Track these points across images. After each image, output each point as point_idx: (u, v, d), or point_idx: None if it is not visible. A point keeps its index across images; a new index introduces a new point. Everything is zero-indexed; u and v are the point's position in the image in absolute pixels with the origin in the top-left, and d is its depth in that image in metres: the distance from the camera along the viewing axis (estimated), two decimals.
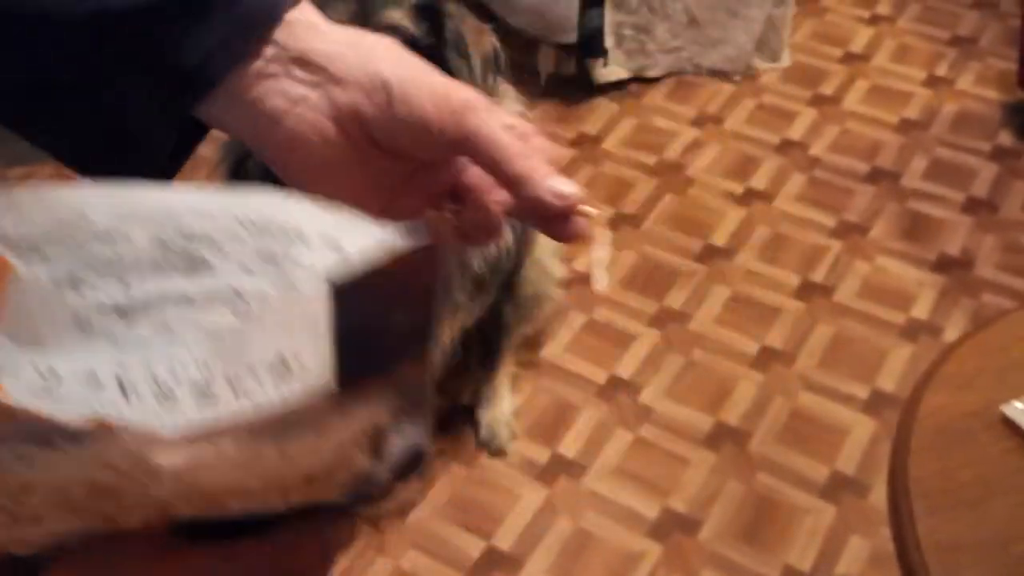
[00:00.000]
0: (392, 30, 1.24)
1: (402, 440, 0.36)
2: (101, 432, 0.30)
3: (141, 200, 0.37)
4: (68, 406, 0.31)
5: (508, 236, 1.43)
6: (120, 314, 0.34)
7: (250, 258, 0.35)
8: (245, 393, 0.31)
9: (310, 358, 0.32)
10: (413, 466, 0.37)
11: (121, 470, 0.31)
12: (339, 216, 0.37)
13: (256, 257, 0.35)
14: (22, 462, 0.30)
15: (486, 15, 2.41)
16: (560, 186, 0.44)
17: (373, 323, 0.33)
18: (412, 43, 1.24)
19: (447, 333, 1.52)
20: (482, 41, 1.30)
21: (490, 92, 1.32)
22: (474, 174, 0.48)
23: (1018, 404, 1.04)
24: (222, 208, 0.37)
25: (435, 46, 1.26)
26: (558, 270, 1.82)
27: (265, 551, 0.35)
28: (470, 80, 1.27)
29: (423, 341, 0.35)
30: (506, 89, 1.41)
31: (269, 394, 0.31)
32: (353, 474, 0.35)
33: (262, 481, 0.33)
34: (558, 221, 0.45)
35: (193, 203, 0.37)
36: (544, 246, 1.74)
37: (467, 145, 0.45)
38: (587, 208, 0.45)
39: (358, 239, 0.35)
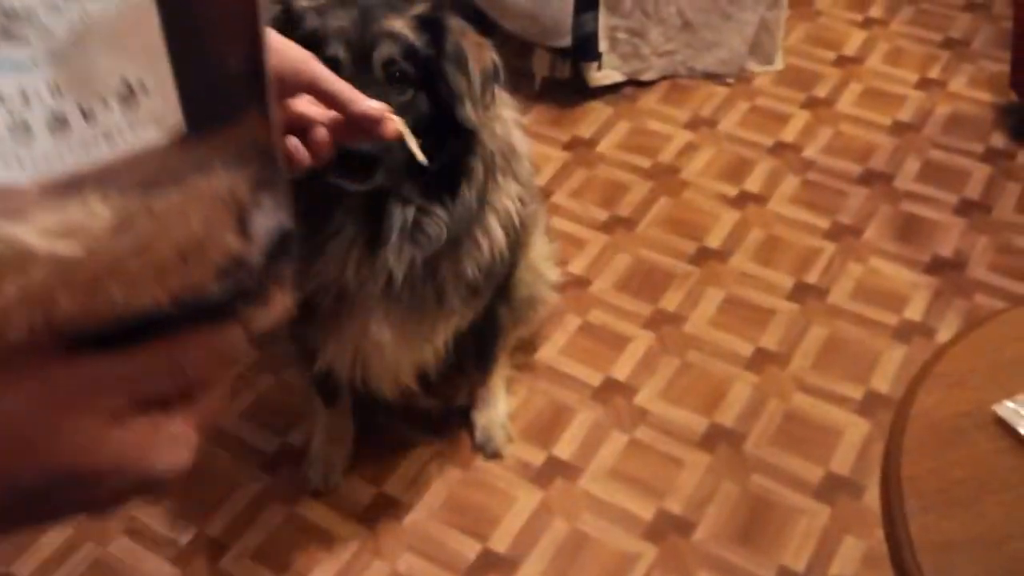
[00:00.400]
0: (392, 38, 1.24)
1: (265, 218, 0.35)
2: None
3: None
4: None
5: (502, 241, 1.44)
6: (5, 35, 0.31)
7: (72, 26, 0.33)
8: (95, 119, 0.30)
9: (153, 84, 0.31)
10: (282, 249, 0.37)
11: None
12: None
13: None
14: None
15: (481, 20, 2.42)
16: (374, 103, 0.75)
17: (205, 52, 0.32)
18: (412, 53, 1.25)
19: (442, 335, 1.52)
20: (482, 56, 1.31)
21: (488, 105, 1.33)
22: (301, 107, 0.71)
23: (1010, 403, 1.04)
24: None
25: (434, 57, 1.27)
26: (552, 273, 1.82)
27: (159, 353, 0.36)
28: (469, 93, 1.28)
29: (260, 88, 0.34)
30: (502, 96, 1.41)
31: (118, 121, 0.30)
32: (225, 254, 0.35)
33: (138, 255, 0.32)
34: (376, 125, 0.75)
35: None
36: (539, 250, 1.74)
37: (313, 85, 0.70)
38: (392, 116, 0.77)
39: None
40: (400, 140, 0.86)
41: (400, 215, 1.32)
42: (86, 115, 0.30)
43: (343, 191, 1.27)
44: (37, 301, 0.31)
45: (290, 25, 1.26)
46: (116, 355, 0.35)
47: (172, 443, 0.37)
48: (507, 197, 1.42)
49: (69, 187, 0.30)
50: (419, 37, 1.26)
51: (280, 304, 0.38)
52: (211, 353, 0.38)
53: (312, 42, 1.23)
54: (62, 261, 0.31)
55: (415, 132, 1.27)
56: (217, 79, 0.33)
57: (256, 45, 0.34)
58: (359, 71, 1.23)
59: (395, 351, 1.49)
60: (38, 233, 0.30)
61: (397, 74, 1.25)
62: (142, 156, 0.31)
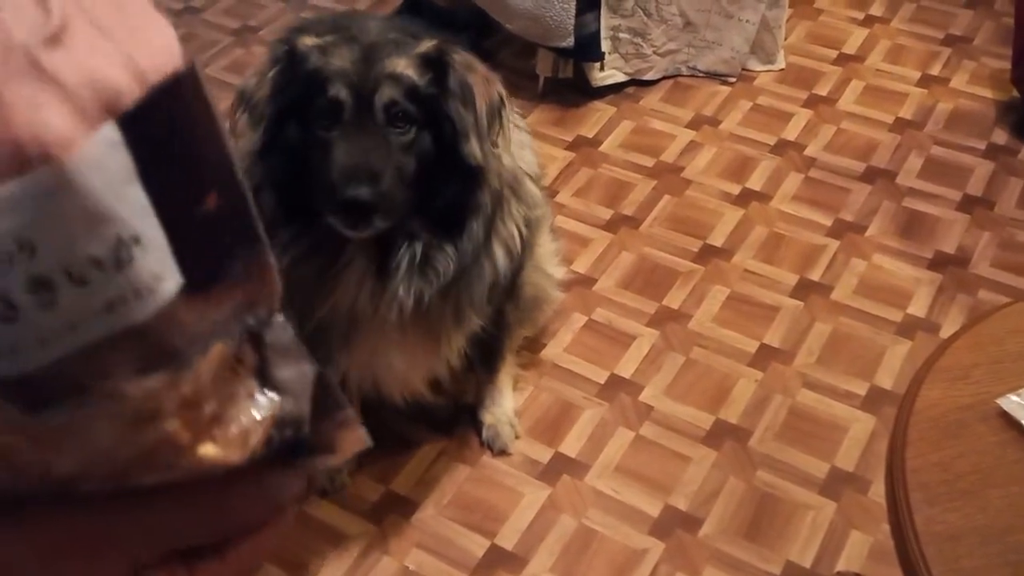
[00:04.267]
0: (395, 80, 1.24)
1: (286, 368, 0.32)
2: None
3: None
4: None
5: (507, 265, 1.45)
6: None
7: None
8: (84, 282, 0.26)
9: (147, 238, 0.27)
10: (328, 398, 0.33)
11: (12, 437, 0.27)
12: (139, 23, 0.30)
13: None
14: None
15: (484, 21, 2.43)
16: None
17: (182, 188, 0.28)
18: (414, 93, 1.25)
19: (455, 348, 1.53)
20: (489, 91, 1.31)
21: (495, 141, 1.33)
22: None
23: (1014, 397, 1.05)
24: None
25: (437, 96, 1.27)
26: (558, 272, 1.84)
27: (196, 501, 0.32)
28: (475, 129, 1.27)
29: (248, 232, 0.30)
30: (512, 117, 1.42)
31: (114, 284, 0.26)
32: (264, 422, 0.31)
33: (170, 439, 0.29)
34: None
35: None
36: (545, 250, 1.76)
37: None
38: None
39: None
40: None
41: (408, 250, 1.32)
42: (75, 280, 0.26)
43: None
44: (63, 480, 0.29)
45: (294, 65, 1.26)
46: (144, 498, 0.31)
47: None
48: (512, 220, 1.43)
49: (81, 369, 0.27)
50: (423, 76, 1.26)
51: (350, 444, 0.35)
52: (258, 505, 0.33)
53: (314, 82, 1.24)
54: (86, 453, 0.28)
55: (419, 170, 1.28)
56: (201, 226, 0.29)
57: (233, 186, 0.29)
58: (360, 112, 1.24)
59: (408, 369, 1.51)
60: (58, 423, 0.27)
61: (399, 115, 1.25)
62: (154, 322, 0.28)
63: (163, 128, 0.27)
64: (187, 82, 0.27)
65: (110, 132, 0.26)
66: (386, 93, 1.24)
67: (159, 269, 0.27)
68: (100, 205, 0.26)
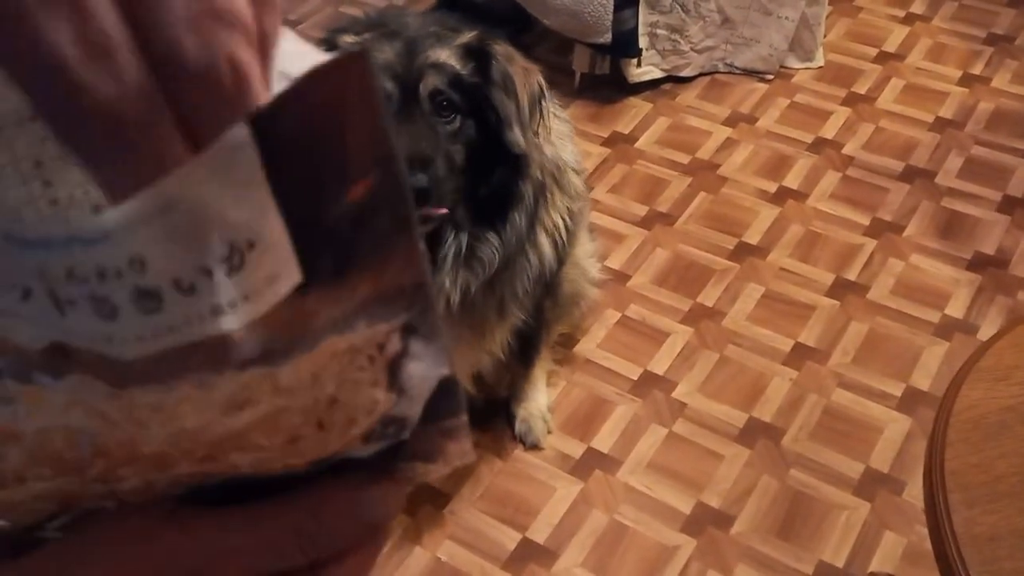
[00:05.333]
0: (438, 68, 1.26)
1: (419, 366, 0.30)
2: (66, 361, 0.26)
3: None
4: (27, 325, 0.26)
5: (551, 255, 1.45)
6: (95, 211, 0.27)
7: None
8: (196, 294, 0.25)
9: (266, 242, 0.26)
10: (446, 403, 0.31)
11: (99, 412, 0.27)
12: (288, 42, 0.29)
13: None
14: (3, 404, 0.27)
15: (523, 17, 2.44)
16: None
17: (313, 183, 0.27)
18: (458, 82, 1.27)
19: (499, 341, 1.54)
20: (529, 81, 1.33)
21: (536, 130, 1.34)
22: None
23: None
24: None
25: (480, 85, 1.28)
26: (594, 270, 1.84)
27: (287, 518, 0.30)
28: (517, 118, 1.29)
29: (401, 218, 0.28)
30: (553, 109, 1.43)
31: (226, 294, 0.26)
32: (372, 414, 0.30)
33: (263, 424, 0.28)
34: None
35: None
36: (582, 247, 1.76)
37: None
38: None
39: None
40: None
41: (454, 242, 1.34)
42: (183, 288, 0.25)
43: None
44: (151, 463, 0.28)
45: None
46: (235, 519, 0.30)
47: None
48: (556, 211, 1.45)
49: (176, 363, 0.26)
50: (465, 66, 1.28)
51: (454, 455, 0.33)
52: (354, 520, 0.31)
53: None
54: (173, 431, 0.27)
55: (465, 159, 1.29)
56: (340, 220, 0.27)
57: (390, 172, 0.28)
58: (407, 103, 1.26)
59: (456, 363, 1.51)
60: (146, 404, 0.27)
61: (444, 103, 1.27)
62: (261, 323, 0.27)
63: (301, 126, 0.26)
64: (335, 76, 0.26)
65: (239, 133, 0.24)
66: (430, 82, 1.26)
67: (274, 271, 0.26)
68: (217, 214, 0.25)
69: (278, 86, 0.27)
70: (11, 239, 0.25)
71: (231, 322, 0.26)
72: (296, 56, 0.29)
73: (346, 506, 0.31)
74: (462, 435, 0.33)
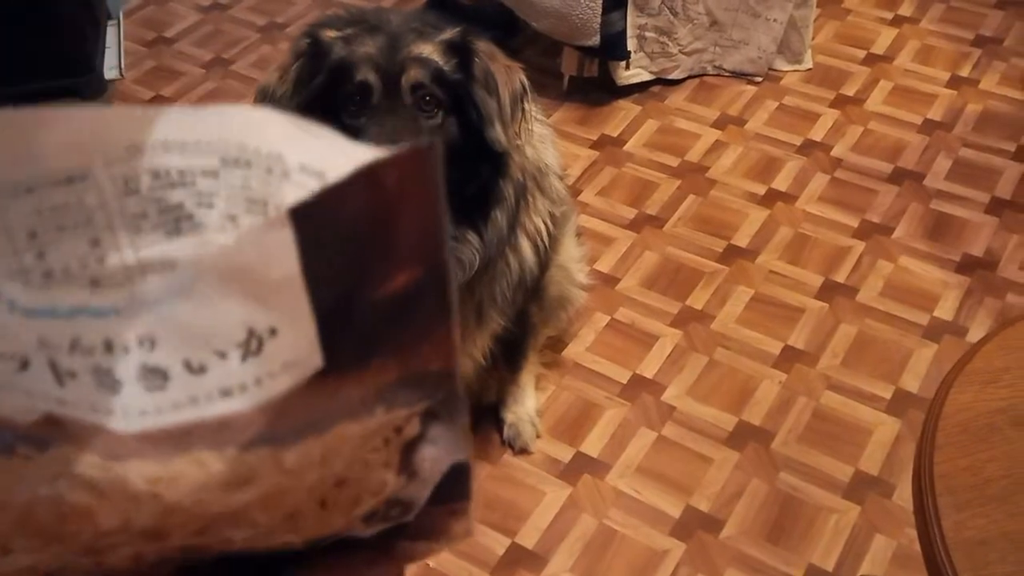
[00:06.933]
0: (421, 62, 1.25)
1: (435, 450, 0.29)
2: (56, 432, 0.25)
3: (91, 126, 0.27)
4: (21, 396, 0.25)
5: (532, 260, 1.45)
6: (93, 284, 0.26)
7: (235, 203, 0.27)
8: (206, 373, 0.25)
9: (287, 327, 0.25)
10: (456, 487, 0.30)
11: (89, 484, 0.26)
12: (321, 137, 0.29)
13: (242, 201, 0.27)
14: None
15: (509, 19, 2.43)
16: None
17: (358, 272, 0.26)
18: (440, 77, 1.26)
19: (480, 347, 1.53)
20: (512, 79, 1.32)
21: (518, 129, 1.34)
22: None
23: None
24: (193, 136, 0.28)
25: (463, 82, 1.28)
26: (582, 274, 1.83)
27: None
28: (499, 116, 1.29)
29: (441, 311, 0.28)
30: (533, 112, 1.42)
31: (237, 378, 0.25)
32: (379, 496, 0.29)
33: (263, 502, 0.27)
34: None
35: (160, 131, 0.28)
36: (569, 250, 1.75)
37: None
38: None
39: (343, 165, 0.26)
40: None
41: None
42: (193, 369, 0.25)
43: None
44: (143, 537, 0.27)
45: (317, 58, 1.27)
46: None
47: None
48: (537, 215, 1.44)
49: (176, 439, 0.25)
50: (447, 61, 1.27)
51: (457, 535, 0.32)
52: None
53: (341, 70, 1.25)
54: (167, 506, 0.26)
55: (446, 157, 1.28)
56: (378, 307, 0.26)
57: (438, 263, 0.27)
58: (389, 96, 1.25)
59: None
60: (141, 478, 0.26)
61: (427, 98, 1.26)
62: (271, 405, 0.26)
63: (347, 219, 0.25)
64: (386, 171, 0.25)
65: (276, 223, 0.24)
66: (413, 75, 1.25)
67: (294, 358, 0.25)
68: (240, 301, 0.24)
69: (304, 182, 0.26)
70: (15, 308, 0.25)
71: (240, 404, 0.25)
72: (327, 151, 0.28)
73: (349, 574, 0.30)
74: (465, 516, 0.32)
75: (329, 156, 0.27)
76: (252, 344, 0.25)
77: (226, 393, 0.25)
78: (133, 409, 0.25)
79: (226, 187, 0.27)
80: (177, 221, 0.27)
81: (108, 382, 0.25)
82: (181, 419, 0.25)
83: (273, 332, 0.25)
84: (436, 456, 0.29)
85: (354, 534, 0.29)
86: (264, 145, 0.28)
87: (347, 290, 0.26)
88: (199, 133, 0.28)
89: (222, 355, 0.25)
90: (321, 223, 0.24)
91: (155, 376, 0.25)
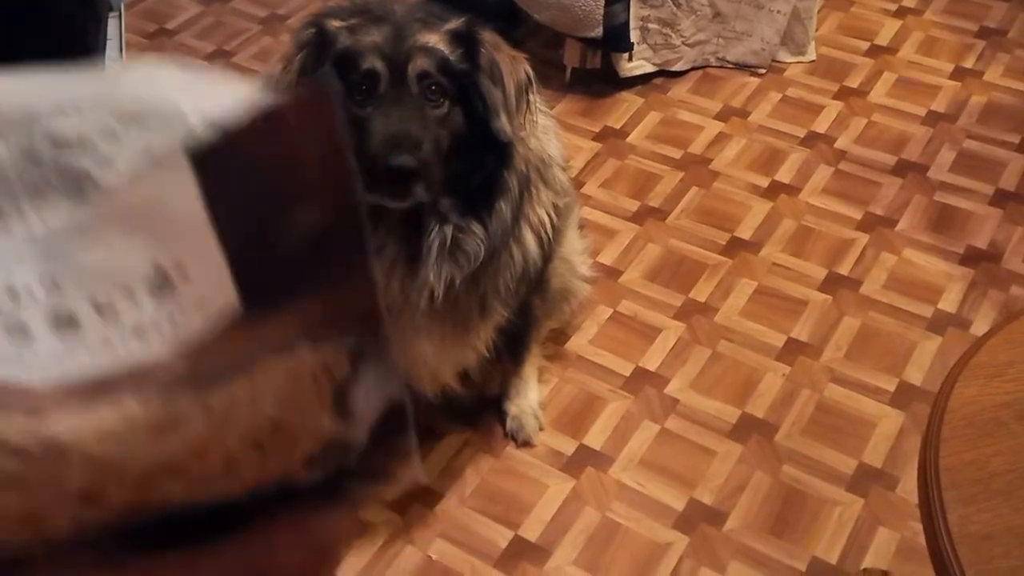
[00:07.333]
0: (427, 52, 1.25)
1: (367, 390, 0.29)
2: None
3: None
4: None
5: (536, 251, 1.44)
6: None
7: (137, 161, 0.27)
8: (116, 316, 0.24)
9: (197, 266, 0.25)
10: (395, 426, 0.30)
11: (16, 450, 0.25)
12: (219, 84, 0.29)
13: (145, 159, 0.27)
14: None
15: (512, 10, 2.42)
16: None
17: (267, 211, 0.26)
18: (446, 66, 1.25)
19: (484, 338, 1.53)
20: (516, 69, 1.32)
21: (523, 119, 1.33)
22: None
23: None
24: (89, 98, 0.28)
25: (468, 72, 1.27)
26: (584, 267, 1.83)
27: (234, 554, 0.29)
28: (504, 106, 1.28)
29: (356, 246, 0.28)
30: (536, 102, 1.42)
31: (150, 314, 0.25)
32: (317, 439, 0.28)
33: (195, 450, 0.26)
34: None
35: (54, 96, 0.28)
36: (571, 242, 1.75)
37: None
38: None
39: (242, 111, 0.27)
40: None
41: (439, 234, 1.32)
42: (103, 310, 0.25)
43: (383, 210, 1.28)
44: (80, 499, 0.26)
45: (322, 47, 1.26)
46: (182, 558, 0.28)
47: None
48: (541, 206, 1.43)
49: (96, 388, 0.25)
50: (453, 51, 1.27)
51: (404, 478, 0.32)
52: (305, 548, 0.30)
53: (346, 60, 1.24)
54: (98, 460, 0.26)
55: (451, 146, 1.28)
56: (291, 245, 0.27)
57: (349, 201, 0.27)
58: (395, 85, 1.24)
59: (438, 359, 1.51)
60: (66, 432, 0.25)
61: (432, 87, 1.25)
62: (190, 346, 0.26)
63: (249, 157, 0.25)
64: (288, 113, 0.26)
65: (175, 160, 0.24)
66: (419, 64, 1.24)
67: (207, 295, 0.26)
68: (144, 236, 0.24)
69: (203, 128, 0.27)
70: None
71: (157, 345, 0.25)
72: (224, 97, 0.28)
73: (296, 535, 0.30)
74: (410, 457, 0.32)
75: (227, 102, 0.27)
76: (160, 281, 0.25)
77: (140, 333, 0.25)
78: (48, 359, 0.25)
79: (127, 147, 0.27)
80: (81, 185, 0.27)
81: (19, 334, 0.24)
82: (98, 364, 0.25)
83: (181, 269, 0.25)
84: (369, 396, 0.29)
85: (298, 481, 0.29)
86: (161, 98, 0.28)
87: (257, 229, 0.26)
88: (93, 93, 0.28)
89: (130, 294, 0.25)
90: (222, 164, 0.25)
91: (65, 322, 0.24)
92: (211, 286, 0.26)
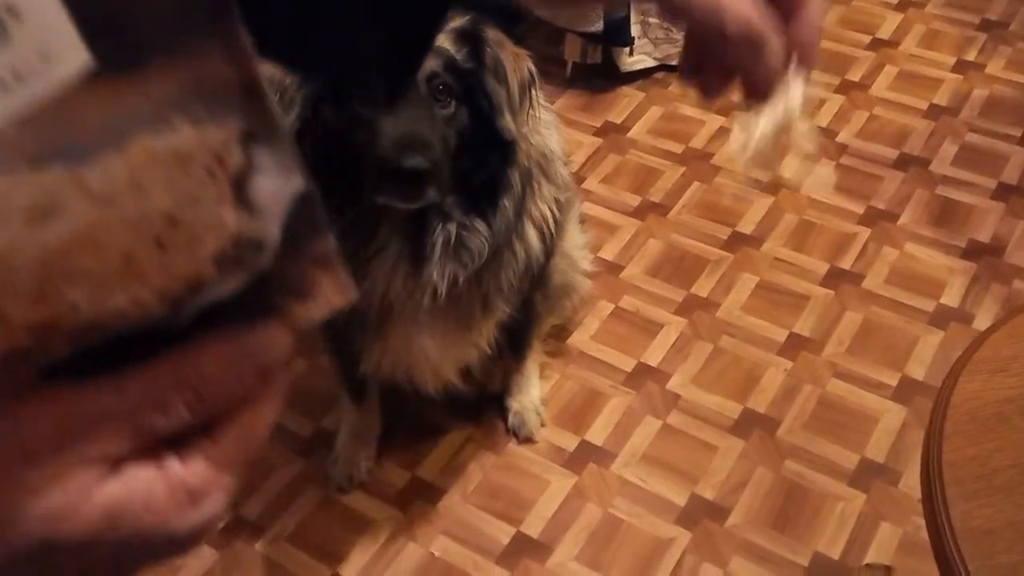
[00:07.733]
0: (435, 52, 1.24)
1: (268, 180, 0.28)
2: None
3: None
4: None
5: (539, 247, 1.44)
6: None
7: None
8: None
9: (29, 10, 0.23)
10: (309, 223, 0.29)
11: None
12: None
13: None
14: None
15: (514, 8, 2.41)
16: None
17: None
18: (453, 66, 1.25)
19: (486, 335, 1.53)
20: (520, 66, 1.31)
21: (526, 116, 1.33)
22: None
23: None
24: None
25: (474, 71, 1.27)
26: (586, 262, 1.82)
27: (163, 373, 0.28)
28: (508, 104, 1.28)
29: (222, 4, 0.25)
30: (538, 98, 1.42)
31: None
32: (221, 234, 0.27)
33: (84, 240, 0.25)
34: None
35: None
36: (572, 238, 1.74)
37: None
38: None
39: None
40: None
41: (442, 232, 1.32)
42: None
43: (387, 208, 1.27)
44: None
45: None
46: (105, 383, 0.27)
47: (190, 496, 0.29)
48: (543, 201, 1.43)
49: None
50: (459, 50, 1.26)
51: (331, 290, 0.30)
52: (238, 365, 0.29)
53: None
54: None
55: (458, 145, 1.28)
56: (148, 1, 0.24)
57: None
58: None
59: (441, 356, 1.51)
60: None
61: (440, 87, 1.25)
62: (44, 110, 0.23)
63: None
64: None
65: None
66: (427, 65, 1.23)
67: (49, 48, 0.23)
68: None
69: None
70: None
71: (5, 106, 0.23)
72: None
73: (227, 352, 0.29)
74: (333, 264, 0.30)
75: None
76: None
77: None
78: None
79: None
80: None
81: None
82: None
83: (14, 13, 0.23)
84: (271, 187, 0.28)
85: (214, 288, 0.27)
86: None
87: None
88: None
89: None
90: None
91: None
92: (55, 38, 0.23)
